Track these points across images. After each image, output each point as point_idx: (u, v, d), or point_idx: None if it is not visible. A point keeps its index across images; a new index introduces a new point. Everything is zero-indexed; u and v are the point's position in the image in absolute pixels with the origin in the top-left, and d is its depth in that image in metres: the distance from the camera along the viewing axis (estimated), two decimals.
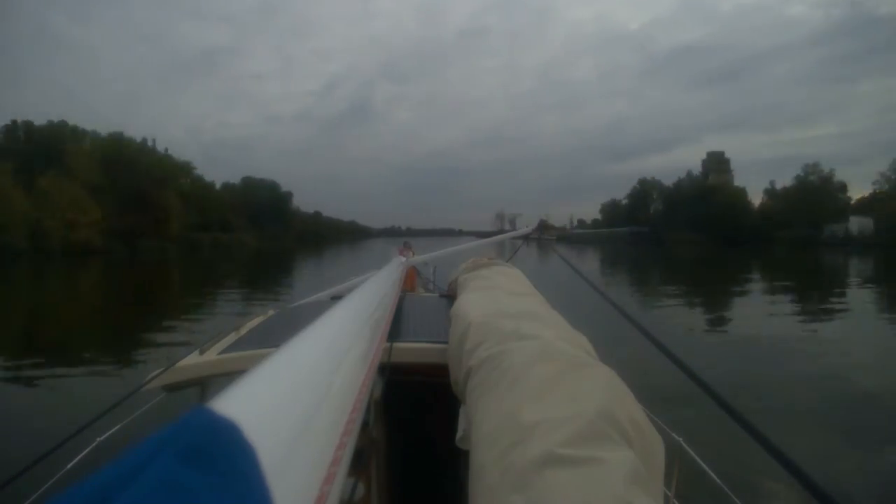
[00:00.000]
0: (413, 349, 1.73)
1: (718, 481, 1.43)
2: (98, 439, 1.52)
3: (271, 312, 2.56)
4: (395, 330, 1.83)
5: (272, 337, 1.90)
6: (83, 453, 1.45)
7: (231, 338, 1.99)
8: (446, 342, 1.57)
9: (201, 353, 1.80)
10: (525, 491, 0.66)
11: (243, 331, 2.12)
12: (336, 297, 3.20)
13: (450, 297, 2.47)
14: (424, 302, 2.58)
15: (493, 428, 0.86)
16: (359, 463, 1.43)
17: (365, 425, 1.41)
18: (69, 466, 1.41)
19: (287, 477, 0.38)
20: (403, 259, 3.74)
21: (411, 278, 4.16)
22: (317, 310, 1.19)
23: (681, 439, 1.59)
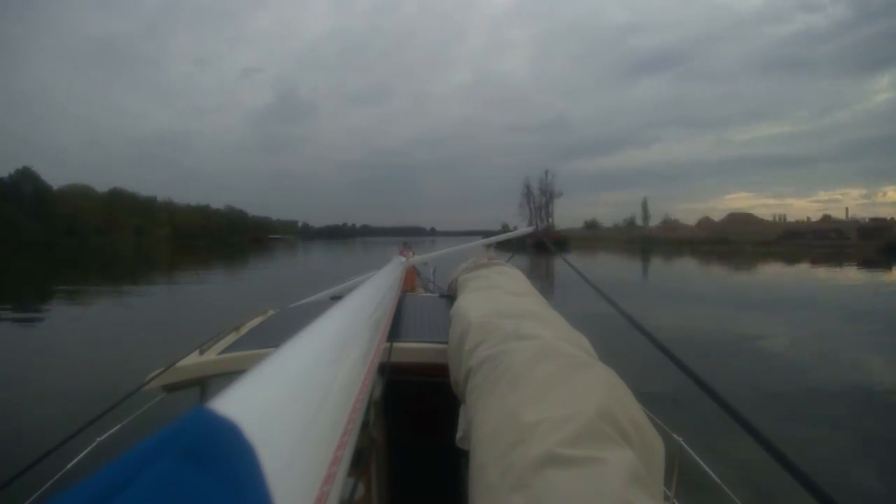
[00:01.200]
0: (413, 349, 1.73)
1: (718, 481, 1.43)
2: (98, 439, 1.52)
3: (271, 312, 2.56)
4: (395, 330, 1.83)
5: (272, 337, 1.90)
6: (83, 453, 1.45)
7: (231, 337, 1.99)
8: (446, 342, 1.57)
9: (201, 352, 1.80)
10: (525, 491, 0.66)
11: (243, 330, 2.12)
12: (336, 297, 3.20)
13: (450, 297, 2.47)
14: (424, 302, 2.58)
15: (493, 428, 0.86)
16: (359, 463, 1.43)
17: (365, 425, 1.41)
18: (69, 466, 1.41)
19: (287, 477, 0.38)
20: (403, 259, 3.75)
21: (411, 278, 4.16)
22: (317, 310, 1.19)
23: (681, 439, 1.59)
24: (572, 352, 1.08)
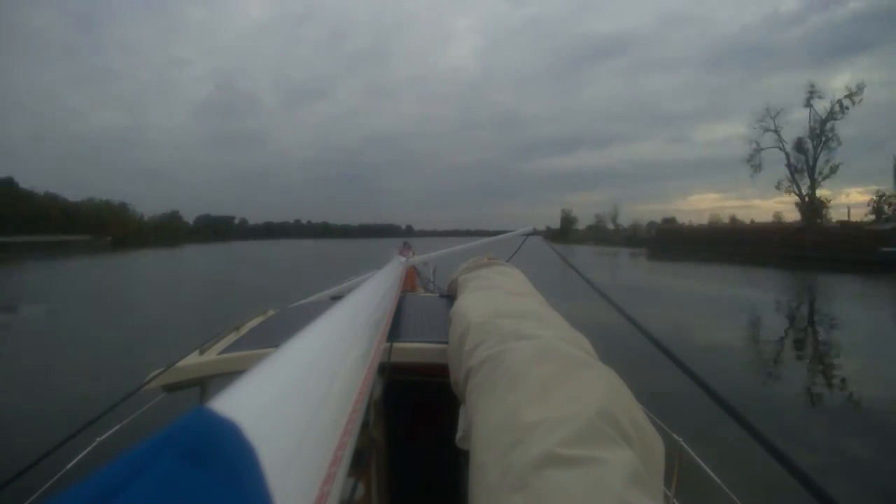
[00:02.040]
0: (413, 349, 1.73)
1: (718, 481, 1.43)
2: (98, 439, 1.52)
3: (271, 312, 2.56)
4: (395, 330, 1.83)
5: (272, 337, 1.90)
6: (83, 453, 1.45)
7: (231, 337, 1.99)
8: (446, 342, 1.57)
9: (201, 352, 1.81)
10: (525, 491, 0.66)
11: (243, 330, 2.12)
12: (336, 297, 3.21)
13: (450, 297, 2.47)
14: (424, 302, 2.58)
15: (493, 428, 0.86)
16: (359, 463, 1.44)
17: (365, 425, 1.41)
18: (69, 466, 1.41)
19: (287, 477, 0.38)
20: (403, 259, 3.75)
21: (411, 278, 4.16)
22: (317, 310, 1.19)
23: (681, 439, 1.59)
24: (572, 352, 1.08)
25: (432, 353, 1.69)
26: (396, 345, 1.61)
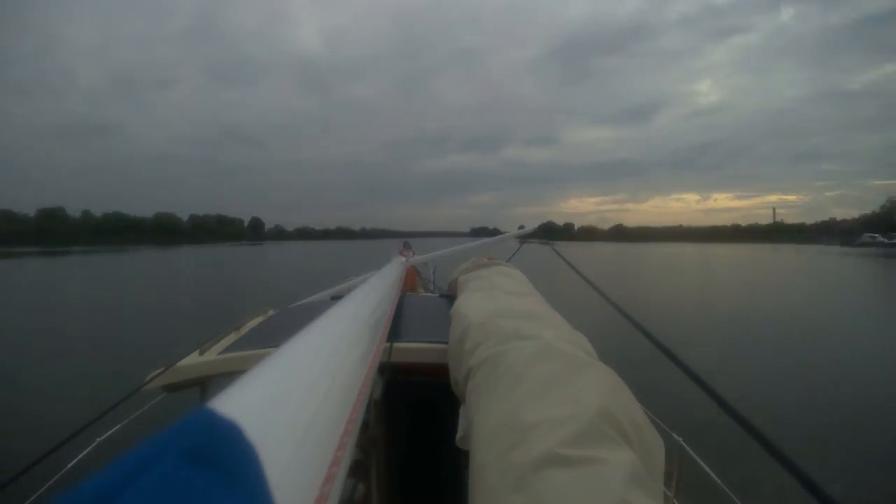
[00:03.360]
0: (413, 349, 1.73)
1: (718, 481, 1.43)
2: (98, 439, 1.52)
3: (271, 312, 2.57)
4: (395, 330, 1.83)
5: (272, 337, 1.90)
6: (83, 453, 1.45)
7: (231, 337, 1.99)
8: (446, 342, 1.57)
9: (201, 352, 1.81)
10: (525, 491, 0.66)
11: (243, 330, 2.12)
12: (336, 297, 3.21)
13: (450, 297, 2.47)
14: (424, 302, 2.58)
15: (493, 428, 0.86)
16: (359, 463, 1.44)
17: (365, 425, 1.41)
18: (69, 466, 1.41)
19: (288, 477, 0.38)
20: (403, 259, 3.75)
21: (411, 278, 4.16)
22: (317, 310, 1.19)
23: (681, 439, 1.59)
24: (572, 352, 1.08)
25: (432, 353, 1.69)
26: (396, 345, 1.61)
